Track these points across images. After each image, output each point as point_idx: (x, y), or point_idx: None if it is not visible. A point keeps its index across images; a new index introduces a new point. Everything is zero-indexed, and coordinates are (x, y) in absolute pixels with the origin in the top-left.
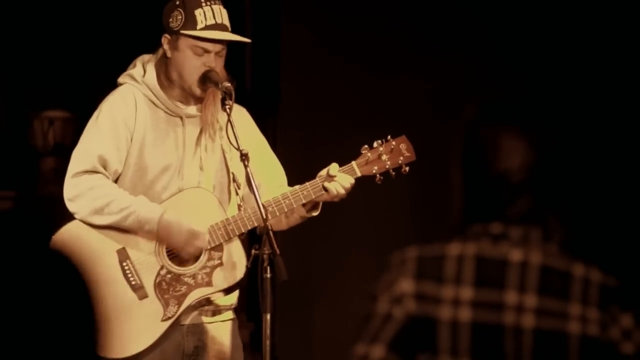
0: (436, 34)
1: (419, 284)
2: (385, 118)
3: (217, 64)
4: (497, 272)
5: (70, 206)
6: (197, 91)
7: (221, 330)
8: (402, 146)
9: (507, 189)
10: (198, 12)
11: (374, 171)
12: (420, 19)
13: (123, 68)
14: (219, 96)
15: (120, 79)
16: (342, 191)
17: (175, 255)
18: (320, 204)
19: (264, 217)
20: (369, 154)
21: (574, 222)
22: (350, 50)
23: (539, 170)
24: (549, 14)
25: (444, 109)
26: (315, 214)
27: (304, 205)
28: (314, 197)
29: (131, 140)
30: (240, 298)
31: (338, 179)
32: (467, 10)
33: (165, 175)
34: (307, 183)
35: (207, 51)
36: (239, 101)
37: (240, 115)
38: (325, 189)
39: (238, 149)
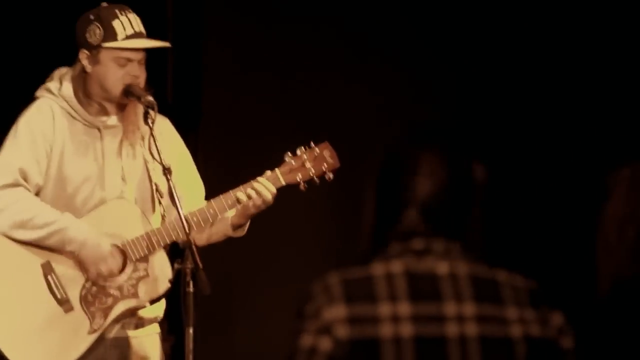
0: (360, 44)
1: (351, 307)
2: (310, 131)
3: (141, 72)
4: (430, 285)
5: None
6: (122, 101)
7: (145, 344)
8: (326, 152)
9: (424, 207)
10: (116, 24)
11: (298, 179)
12: (344, 30)
13: (42, 82)
14: (141, 109)
15: (38, 93)
16: (266, 193)
17: None
18: (247, 224)
19: (186, 230)
20: (292, 162)
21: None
22: (274, 62)
23: (455, 191)
24: (484, 21)
25: (369, 118)
26: (241, 234)
27: (231, 223)
28: (239, 202)
29: (50, 152)
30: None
31: (260, 181)
32: (393, 16)
33: (86, 186)
34: (230, 191)
35: (130, 60)
36: (160, 113)
37: (164, 125)
38: (248, 196)
39: (161, 163)
